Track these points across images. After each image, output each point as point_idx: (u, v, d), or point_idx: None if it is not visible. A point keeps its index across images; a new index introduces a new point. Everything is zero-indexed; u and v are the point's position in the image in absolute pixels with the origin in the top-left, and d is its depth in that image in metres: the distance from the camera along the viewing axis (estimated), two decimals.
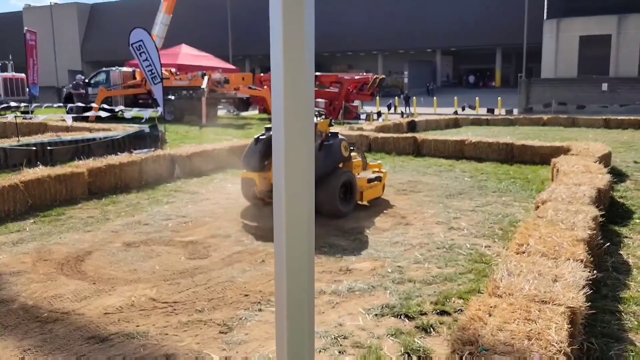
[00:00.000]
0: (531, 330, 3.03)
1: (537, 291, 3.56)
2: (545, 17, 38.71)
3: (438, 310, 4.38)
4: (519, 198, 8.44)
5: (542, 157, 11.58)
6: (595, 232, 5.21)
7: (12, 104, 18.28)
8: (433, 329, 4.07)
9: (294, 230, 1.17)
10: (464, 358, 2.75)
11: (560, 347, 2.86)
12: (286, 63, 1.06)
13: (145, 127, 13.40)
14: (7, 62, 27.73)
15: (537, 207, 6.21)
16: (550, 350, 2.82)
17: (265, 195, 7.53)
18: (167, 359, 3.72)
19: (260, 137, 7.70)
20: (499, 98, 28.91)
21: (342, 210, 7.31)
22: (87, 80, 24.99)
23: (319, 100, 24.67)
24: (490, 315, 3.26)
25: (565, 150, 10.83)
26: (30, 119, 15.77)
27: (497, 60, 52.61)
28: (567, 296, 3.48)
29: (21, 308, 4.52)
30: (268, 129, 8.12)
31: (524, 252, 4.43)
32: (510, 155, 12.15)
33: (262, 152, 7.51)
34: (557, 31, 37.75)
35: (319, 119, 8.33)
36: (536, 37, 39.24)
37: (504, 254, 4.68)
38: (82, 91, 23.57)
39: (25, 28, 18.99)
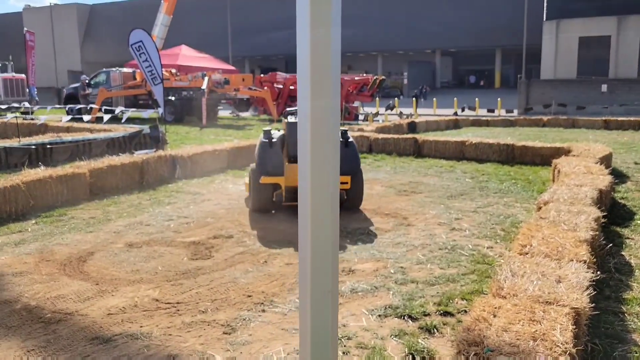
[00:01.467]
0: (536, 331, 3.03)
1: (541, 292, 3.56)
2: (544, 18, 38.75)
3: (441, 311, 4.38)
4: (520, 199, 8.45)
5: (543, 158, 11.60)
6: (597, 233, 5.22)
7: (14, 104, 18.28)
8: (437, 329, 4.07)
9: (319, 230, 1.17)
10: (469, 359, 2.75)
11: (566, 348, 2.87)
12: (313, 66, 1.07)
13: (146, 128, 13.39)
14: (7, 63, 27.73)
15: (539, 208, 6.22)
16: (555, 351, 2.82)
17: (291, 199, 7.33)
18: (172, 359, 3.72)
19: (273, 139, 7.53)
20: (499, 99, 28.93)
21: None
22: (87, 81, 25.00)
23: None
24: (494, 316, 3.27)
25: (566, 152, 10.85)
26: (32, 119, 15.77)
27: (496, 61, 52.66)
28: (571, 297, 3.48)
29: (24, 309, 4.51)
30: (267, 132, 7.96)
31: (527, 253, 4.43)
32: (511, 156, 12.16)
33: (280, 154, 7.48)
34: (556, 32, 37.79)
35: None
36: (536, 38, 39.29)
37: (507, 255, 4.69)
38: (88, 91, 23.61)
39: (25, 29, 18.95)
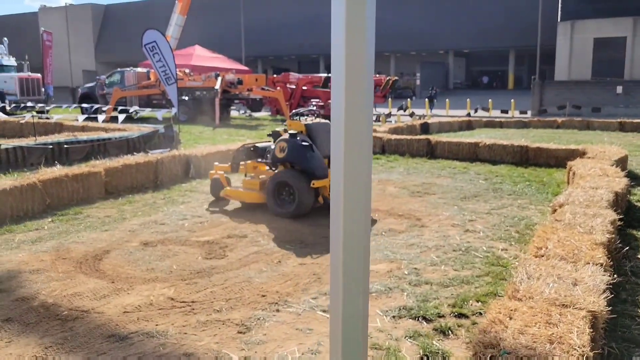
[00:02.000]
0: (553, 334, 3.02)
1: (558, 295, 3.55)
2: (559, 18, 38.46)
3: (456, 313, 4.37)
4: (534, 201, 8.40)
5: (558, 160, 11.51)
6: (613, 236, 5.18)
7: (29, 103, 18.47)
8: (451, 331, 4.07)
9: (351, 230, 1.18)
10: None
11: (583, 351, 2.85)
12: (347, 66, 1.08)
13: (160, 128, 13.48)
14: (23, 62, 28.03)
15: (554, 211, 6.19)
16: (572, 355, 2.81)
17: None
18: (188, 357, 3.74)
19: (305, 143, 7.36)
20: (512, 100, 28.75)
21: None
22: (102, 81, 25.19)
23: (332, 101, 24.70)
24: (510, 318, 3.26)
25: (580, 153, 10.77)
26: (47, 119, 15.93)
27: (510, 62, 52.34)
28: (588, 300, 3.46)
29: (41, 306, 4.57)
30: (276, 132, 8.13)
31: (542, 256, 4.41)
32: (525, 157, 12.08)
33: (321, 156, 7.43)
34: (571, 33, 37.49)
35: (315, 119, 8.18)
36: (550, 39, 38.99)
37: (523, 257, 4.66)
38: (106, 91, 23.80)
39: (42, 29, 19.11)
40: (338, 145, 1.14)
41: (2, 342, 3.96)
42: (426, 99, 31.72)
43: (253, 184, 7.89)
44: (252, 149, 8.31)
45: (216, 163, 8.86)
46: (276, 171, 7.64)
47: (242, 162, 8.28)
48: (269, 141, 8.41)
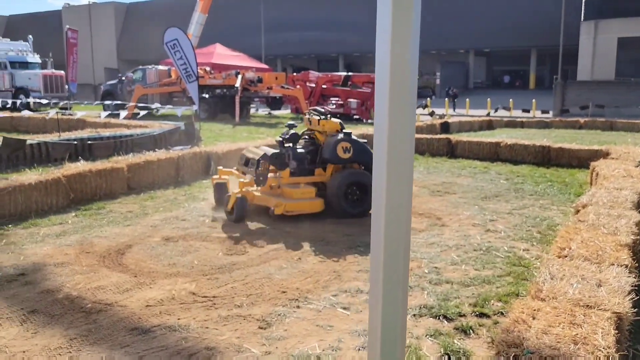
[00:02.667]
0: (577, 334, 2.99)
1: (582, 295, 3.51)
2: (582, 18, 37.94)
3: (477, 312, 4.35)
4: (556, 201, 8.31)
5: (580, 160, 11.38)
6: (638, 237, 5.10)
7: (54, 100, 18.76)
8: (472, 330, 4.04)
9: (393, 228, 1.19)
10: None
11: (608, 352, 2.82)
12: (392, 66, 1.08)
13: (181, 125, 13.59)
14: (47, 60, 28.45)
15: (578, 211, 6.11)
16: (597, 356, 2.78)
17: None
18: (209, 352, 3.78)
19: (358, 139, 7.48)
20: (534, 100, 28.47)
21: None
22: (124, 78, 25.45)
23: (352, 100, 24.68)
24: (534, 318, 3.23)
25: (604, 154, 10.63)
26: (70, 115, 16.15)
27: (531, 61, 51.78)
28: (613, 301, 3.42)
29: (66, 298, 4.64)
30: (291, 125, 7.86)
31: (566, 256, 4.36)
32: (546, 158, 11.96)
33: None
34: (594, 33, 36.97)
35: (327, 118, 7.81)
36: (573, 39, 38.49)
37: (546, 257, 4.62)
38: (133, 87, 24.05)
39: (67, 26, 19.33)
40: (381, 143, 1.14)
41: (28, 332, 4.03)
42: (445, 99, 31.53)
43: (308, 192, 7.24)
44: (275, 156, 7.42)
45: (220, 167, 8.37)
46: (342, 172, 7.39)
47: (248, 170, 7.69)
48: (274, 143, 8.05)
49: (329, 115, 7.89)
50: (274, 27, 52.25)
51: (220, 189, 7.63)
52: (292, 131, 7.76)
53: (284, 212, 6.96)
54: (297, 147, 7.69)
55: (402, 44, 1.10)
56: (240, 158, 8.12)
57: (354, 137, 7.46)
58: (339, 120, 7.77)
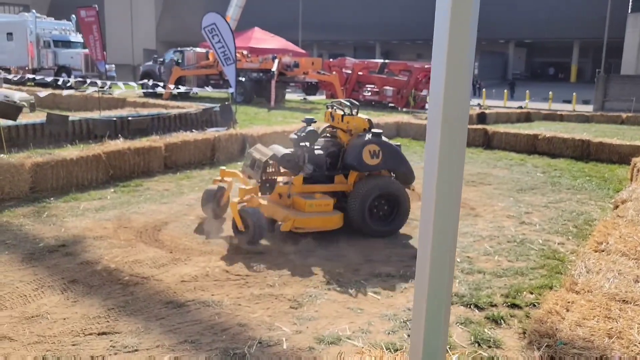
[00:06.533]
0: (612, 328, 2.96)
1: (618, 290, 3.47)
2: (629, 10, 36.74)
3: (509, 303, 4.32)
4: (594, 196, 8.15)
5: (621, 156, 11.11)
6: None
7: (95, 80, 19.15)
8: (504, 320, 4.03)
9: (442, 217, 1.21)
10: (541, 350, 2.72)
11: None
12: (449, 57, 1.09)
13: (217, 106, 13.73)
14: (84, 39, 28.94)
15: (617, 207, 6.00)
16: (632, 350, 2.75)
17: None
18: (241, 328, 3.86)
19: (396, 144, 6.47)
20: (574, 93, 27.78)
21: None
22: (162, 60, 25.75)
23: (387, 88, 24.51)
24: (567, 310, 3.21)
25: None
26: (110, 94, 16.46)
27: (573, 54, 50.45)
28: None
29: (105, 270, 4.78)
30: (310, 119, 6.56)
31: (602, 251, 4.30)
32: (586, 152, 11.71)
33: None
34: None
35: (352, 113, 6.49)
36: (618, 32, 37.31)
37: (582, 251, 4.56)
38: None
39: (78, 7, 19.06)
40: (434, 136, 1.15)
41: (68, 301, 4.18)
42: (483, 89, 31.05)
43: (324, 205, 5.91)
44: (287, 158, 6.14)
45: (222, 167, 6.90)
46: (368, 180, 6.09)
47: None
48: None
49: (355, 110, 6.51)
50: (312, 12, 52.05)
51: (211, 196, 6.33)
52: (309, 128, 6.37)
53: (292, 229, 5.73)
54: (315, 147, 6.36)
55: (460, 33, 1.10)
56: (245, 158, 6.63)
57: (384, 138, 6.23)
58: (367, 117, 6.50)
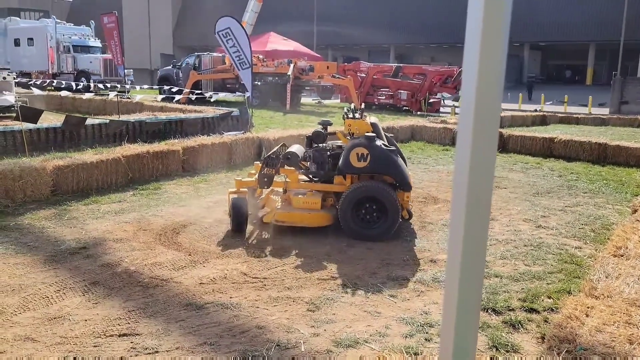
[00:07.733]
0: (632, 334, 2.95)
1: (638, 295, 3.45)
2: None
3: (526, 308, 4.32)
4: (612, 200, 8.08)
5: (638, 159, 11.01)
6: None
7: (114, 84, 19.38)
8: (521, 325, 4.02)
9: (473, 224, 1.23)
10: (561, 355, 2.73)
11: None
12: (481, 59, 1.12)
13: (235, 110, 13.83)
14: (107, 44, 29.30)
15: (635, 211, 5.96)
16: None
17: None
18: (259, 330, 3.89)
19: (390, 147, 6.28)
20: (590, 97, 27.53)
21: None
22: (179, 64, 25.96)
23: (402, 91, 24.49)
24: (587, 315, 3.21)
25: None
26: (128, 99, 16.65)
27: (589, 56, 49.99)
28: None
29: (125, 272, 4.85)
30: (326, 121, 6.96)
31: (622, 255, 4.28)
32: (602, 155, 11.61)
33: None
34: None
35: (355, 116, 6.67)
36: (634, 34, 36.93)
37: (601, 256, 4.54)
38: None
39: (100, 14, 19.45)
40: (465, 138, 1.17)
41: (90, 302, 4.25)
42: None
43: (311, 202, 6.11)
44: (289, 156, 6.39)
45: (238, 178, 6.92)
46: (354, 184, 6.10)
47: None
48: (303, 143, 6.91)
49: (357, 113, 6.76)
50: (327, 16, 52.17)
51: (240, 207, 6.08)
52: (316, 128, 6.80)
53: (272, 222, 6.02)
54: (321, 147, 6.58)
55: (493, 36, 1.13)
56: (261, 160, 6.78)
57: (377, 142, 6.09)
58: (373, 121, 6.58)
